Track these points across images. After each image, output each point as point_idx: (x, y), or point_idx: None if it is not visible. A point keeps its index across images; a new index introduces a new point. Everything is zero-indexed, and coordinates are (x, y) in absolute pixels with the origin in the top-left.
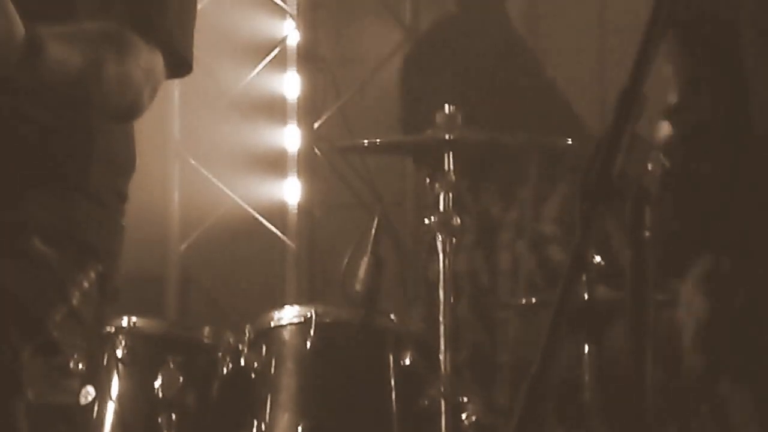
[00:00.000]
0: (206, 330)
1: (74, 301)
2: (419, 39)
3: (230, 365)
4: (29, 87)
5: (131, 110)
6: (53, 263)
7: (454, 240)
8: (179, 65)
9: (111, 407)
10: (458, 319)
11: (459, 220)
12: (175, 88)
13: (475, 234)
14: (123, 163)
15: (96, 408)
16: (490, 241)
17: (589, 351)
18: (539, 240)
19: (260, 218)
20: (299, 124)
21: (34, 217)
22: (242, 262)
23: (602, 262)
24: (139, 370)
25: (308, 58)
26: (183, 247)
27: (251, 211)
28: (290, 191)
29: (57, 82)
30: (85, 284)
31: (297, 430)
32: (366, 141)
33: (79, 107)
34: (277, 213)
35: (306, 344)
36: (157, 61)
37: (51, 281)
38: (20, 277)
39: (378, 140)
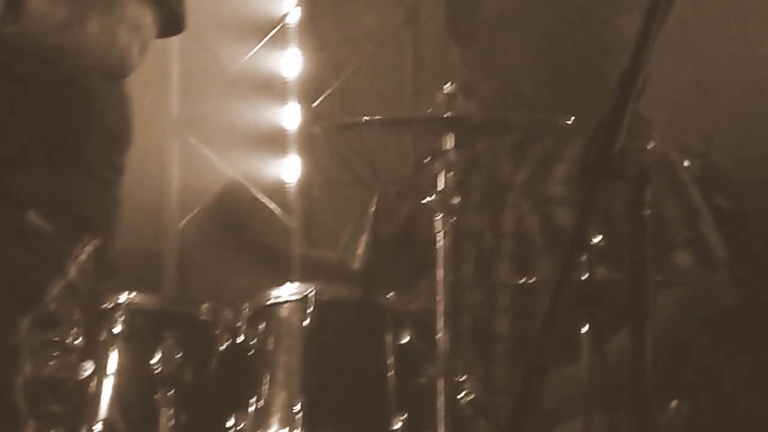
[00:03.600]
0: (204, 306)
1: (71, 274)
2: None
3: (228, 342)
4: (12, 40)
5: (120, 66)
6: (49, 236)
7: (453, 219)
8: (171, 22)
9: (108, 383)
10: (461, 283)
11: (458, 199)
12: (174, 65)
13: (482, 194)
14: (119, 135)
15: (93, 383)
16: (496, 200)
17: (588, 330)
18: (545, 200)
19: (259, 196)
20: (299, 102)
21: (28, 190)
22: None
23: (602, 242)
24: (137, 346)
25: (308, 37)
26: (182, 224)
27: (250, 188)
28: (289, 169)
29: (39, 34)
30: (82, 257)
31: (294, 407)
32: (365, 118)
33: (64, 60)
34: (277, 191)
35: (304, 322)
36: (145, 15)
37: (47, 254)
38: (16, 250)
39: (377, 117)
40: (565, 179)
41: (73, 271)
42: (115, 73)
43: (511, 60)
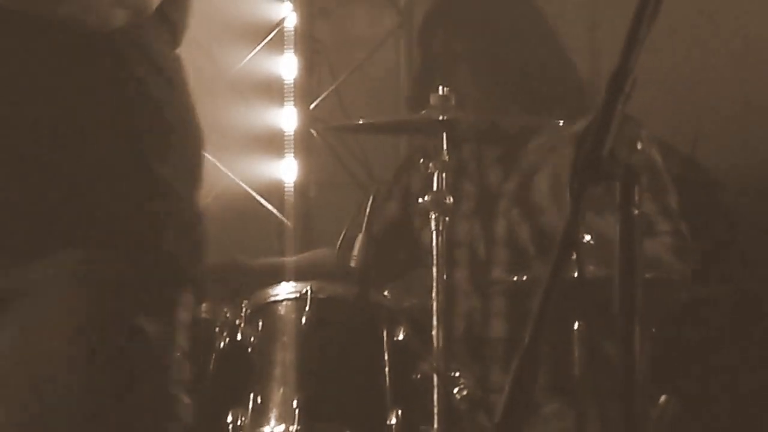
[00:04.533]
0: (203, 305)
1: None
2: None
3: (227, 340)
4: None
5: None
6: None
7: (446, 219)
8: None
9: None
10: (455, 290)
11: (451, 199)
12: None
13: (474, 202)
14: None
15: None
16: (488, 209)
17: (578, 327)
18: (533, 209)
19: (257, 197)
20: (296, 104)
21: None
22: (239, 239)
23: (592, 242)
24: None
25: (305, 41)
26: None
27: (248, 189)
28: (287, 170)
29: None
30: None
31: (292, 403)
32: (361, 120)
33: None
34: (274, 192)
35: (301, 319)
36: None
37: None
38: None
39: (372, 121)
40: (552, 188)
41: None
42: (136, 7)
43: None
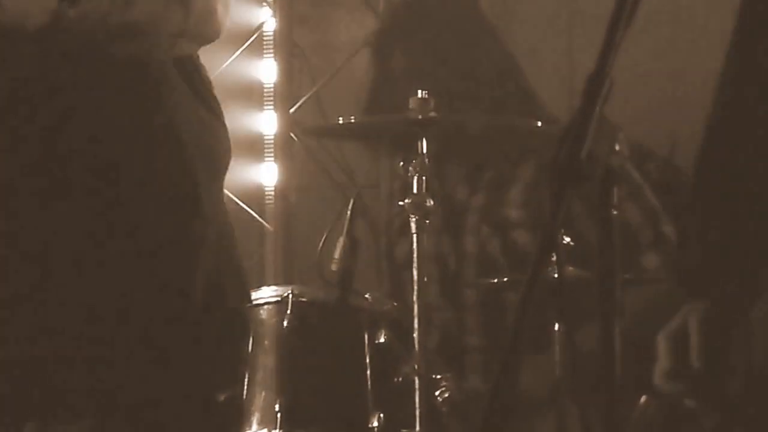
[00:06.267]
0: None
1: None
2: (388, 23)
3: None
4: (76, 25)
5: (205, 29)
6: None
7: (427, 221)
8: None
9: None
10: (428, 303)
11: (432, 202)
12: None
13: (441, 218)
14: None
15: None
16: (456, 225)
17: (559, 329)
18: (504, 224)
19: (238, 201)
20: (276, 109)
21: None
22: None
23: (571, 243)
24: None
25: (284, 45)
26: None
27: (229, 194)
28: (267, 174)
29: (102, 14)
30: None
31: (274, 407)
32: (341, 121)
33: (136, 37)
34: (255, 196)
35: (283, 323)
36: None
37: None
38: None
39: (352, 119)
40: (521, 202)
41: None
42: (202, 37)
43: None
